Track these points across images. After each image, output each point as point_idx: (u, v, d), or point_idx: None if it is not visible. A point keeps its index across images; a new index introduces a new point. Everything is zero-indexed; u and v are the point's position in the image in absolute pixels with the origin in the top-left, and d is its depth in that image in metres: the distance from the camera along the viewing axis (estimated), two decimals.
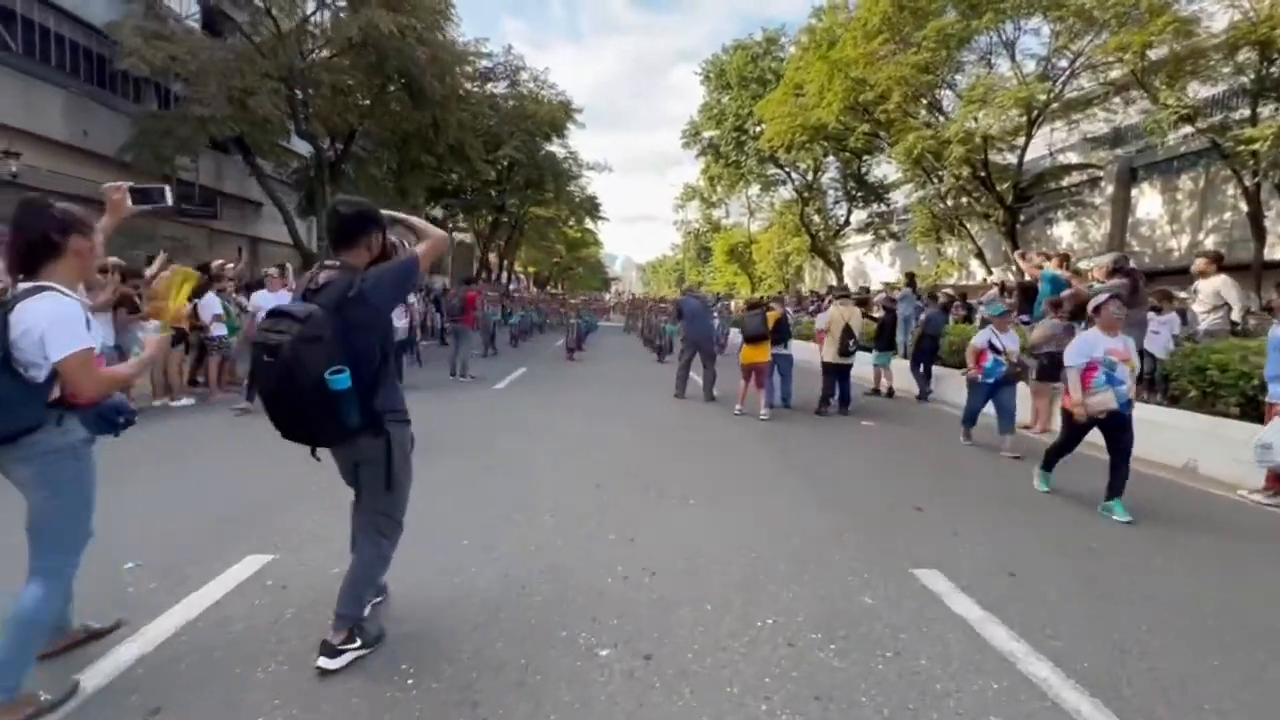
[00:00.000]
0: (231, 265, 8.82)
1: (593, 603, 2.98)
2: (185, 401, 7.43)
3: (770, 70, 28.63)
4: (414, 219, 2.50)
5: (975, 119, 18.08)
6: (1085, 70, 17.42)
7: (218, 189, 16.44)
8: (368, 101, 14.46)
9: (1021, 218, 22.13)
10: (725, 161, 30.92)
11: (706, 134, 31.74)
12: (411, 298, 7.71)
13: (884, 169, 31.08)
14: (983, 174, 19.92)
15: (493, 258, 34.46)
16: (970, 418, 6.73)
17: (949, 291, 12.19)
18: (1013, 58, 19.79)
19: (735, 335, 15.68)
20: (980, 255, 22.81)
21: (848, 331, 8.12)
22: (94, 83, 13.43)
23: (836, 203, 31.76)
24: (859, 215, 31.23)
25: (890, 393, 9.95)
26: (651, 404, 8.86)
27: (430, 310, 14.73)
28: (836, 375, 8.37)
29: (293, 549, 3.44)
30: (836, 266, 30.62)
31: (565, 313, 16.05)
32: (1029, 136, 19.51)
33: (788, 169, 30.12)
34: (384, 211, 2.43)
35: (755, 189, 35.39)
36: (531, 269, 49.44)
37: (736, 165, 30.72)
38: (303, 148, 15.86)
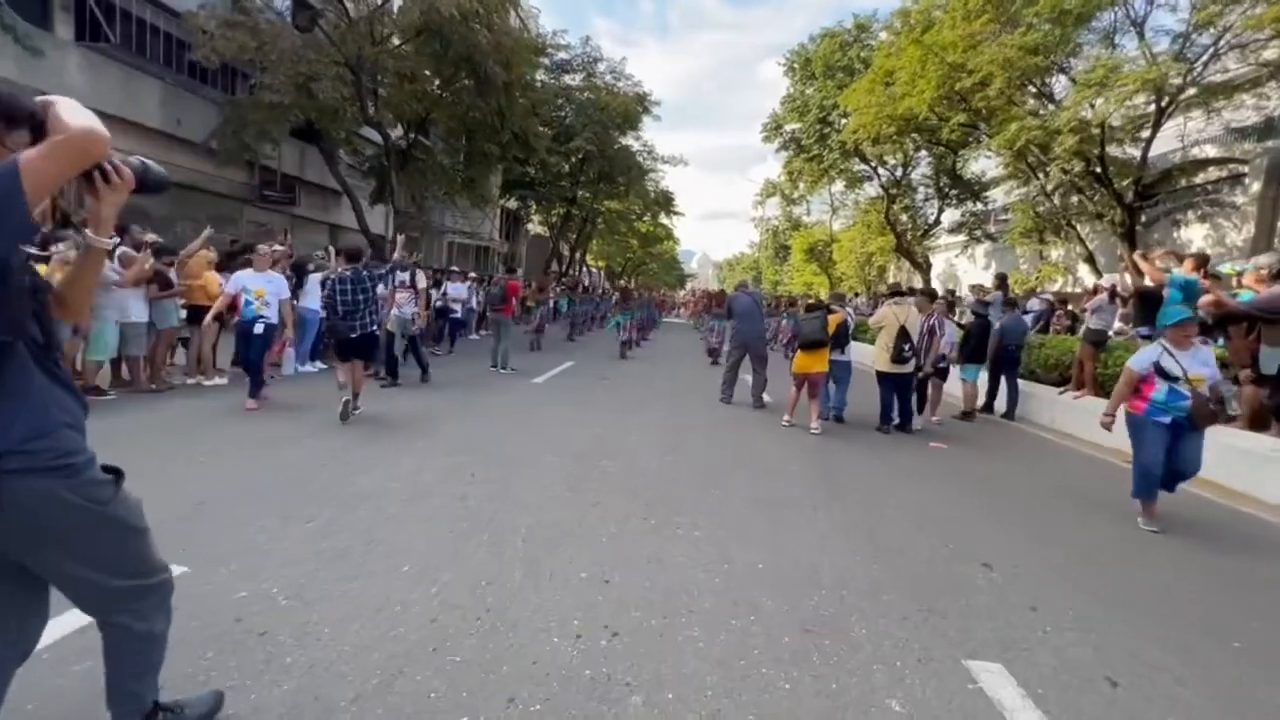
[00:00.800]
0: (279, 246, 8.76)
1: (522, 673, 2.28)
2: (218, 380, 7.36)
3: (859, 59, 26.82)
4: (59, 102, 1.30)
5: (1091, 105, 16.01)
6: (1231, 50, 14.92)
7: (300, 177, 16.99)
8: (438, 89, 14.42)
9: (1143, 218, 19.55)
10: (807, 155, 29.30)
11: (788, 127, 30.22)
12: (423, 280, 6.78)
13: (981, 164, 28.55)
14: (1098, 169, 17.70)
15: (566, 251, 34.47)
16: (1144, 480, 4.41)
17: (1048, 297, 10.61)
18: (1141, 36, 17.40)
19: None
20: (1091, 259, 20.30)
21: (902, 335, 7.00)
22: (187, 73, 14.06)
23: (927, 200, 29.49)
24: (951, 214, 28.83)
25: (970, 414, 8.64)
26: (692, 409, 8.06)
27: (484, 299, 14.53)
28: (893, 386, 7.26)
29: (203, 564, 2.93)
30: (924, 268, 28.43)
31: (625, 305, 15.39)
32: (1157, 126, 17.10)
33: (873, 163, 28.18)
34: (39, 98, 1.31)
35: (839, 185, 33.53)
36: (603, 263, 49.32)
37: (819, 159, 29.07)
38: (379, 136, 16.08)
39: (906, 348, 7.00)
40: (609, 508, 4.08)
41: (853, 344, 7.77)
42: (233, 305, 7.64)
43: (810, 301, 7.83)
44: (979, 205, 28.03)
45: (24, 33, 10.43)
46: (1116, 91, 15.18)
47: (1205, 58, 15.13)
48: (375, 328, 6.39)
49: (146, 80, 13.14)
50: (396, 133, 16.30)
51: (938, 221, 29.17)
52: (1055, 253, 26.45)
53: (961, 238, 29.01)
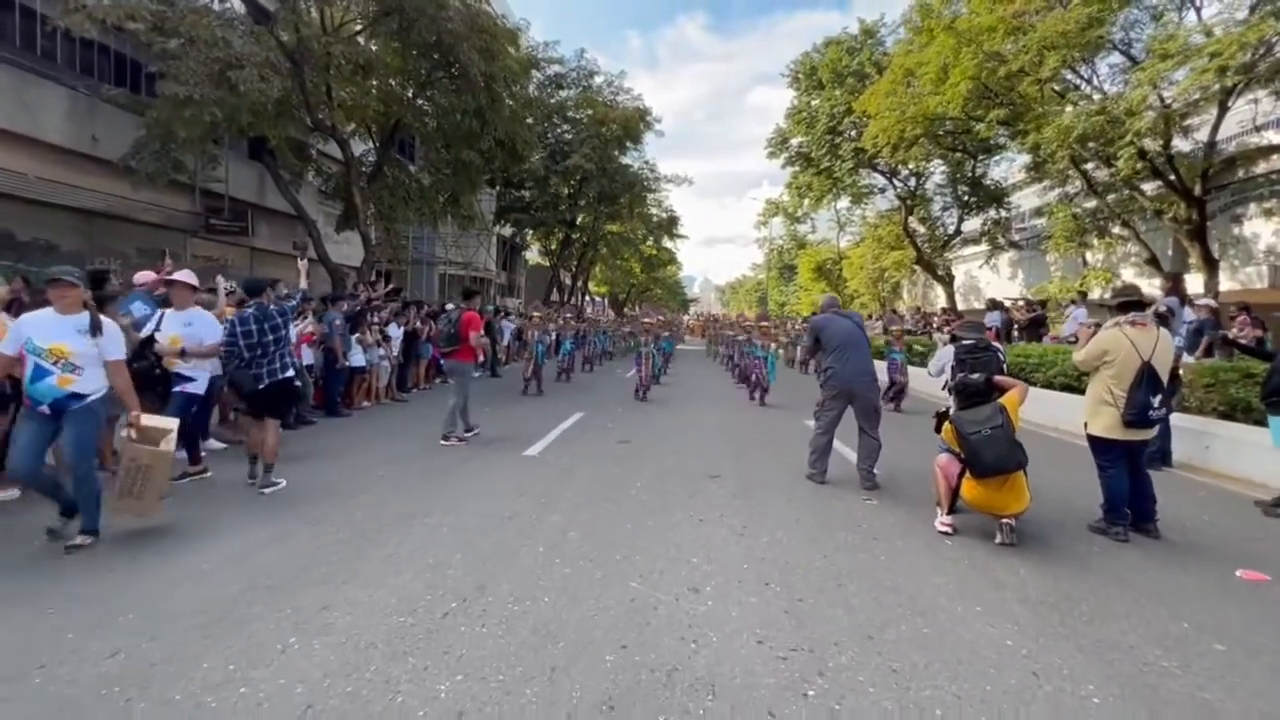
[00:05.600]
0: (150, 275, 5.76)
1: None
2: (4, 494, 4.26)
3: (869, 63, 24.26)
4: None
5: (1155, 86, 13.33)
6: None
7: (257, 203, 14.09)
8: (405, 86, 11.56)
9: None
10: (816, 169, 26.60)
11: (795, 140, 27.59)
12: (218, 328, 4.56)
13: (1001, 169, 25.86)
14: (1162, 158, 15.00)
15: (567, 280, 31.61)
16: None
17: (1209, 303, 7.58)
18: (1198, 9, 14.98)
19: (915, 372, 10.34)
20: (1154, 261, 17.32)
21: (1149, 379, 3.91)
22: (110, 80, 11.24)
23: (945, 209, 26.74)
24: (971, 223, 26.00)
25: None
26: (774, 502, 4.91)
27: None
28: (1127, 461, 4.13)
29: None
30: (946, 281, 25.51)
31: (638, 337, 12.31)
32: (1223, 107, 14.43)
33: (888, 174, 25.52)
34: None
35: (844, 201, 30.85)
36: (604, 289, 46.31)
37: (829, 173, 26.37)
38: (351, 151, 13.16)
39: (1157, 401, 3.89)
40: None
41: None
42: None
43: (963, 375, 4.23)
44: (1002, 212, 25.23)
45: None
46: (1202, 61, 12.45)
47: None
48: (290, 373, 4.94)
49: (47, 87, 10.25)
50: (365, 147, 13.50)
51: (958, 232, 26.32)
52: (1094, 257, 23.56)
53: (982, 248, 26.17)
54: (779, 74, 27.78)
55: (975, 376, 4.19)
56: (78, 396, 3.51)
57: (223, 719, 2.09)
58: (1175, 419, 6.43)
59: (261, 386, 4.75)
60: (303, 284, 5.53)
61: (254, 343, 4.70)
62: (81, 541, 3.49)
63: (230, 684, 2.28)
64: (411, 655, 2.50)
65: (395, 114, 11.82)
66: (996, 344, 4.53)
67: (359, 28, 10.70)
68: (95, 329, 3.54)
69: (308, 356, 7.43)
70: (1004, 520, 3.90)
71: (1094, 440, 4.16)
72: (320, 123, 10.82)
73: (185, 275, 4.90)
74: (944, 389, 4.70)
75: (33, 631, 2.61)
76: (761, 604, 3.03)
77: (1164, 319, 6.29)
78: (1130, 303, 4.06)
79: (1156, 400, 3.91)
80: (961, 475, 3.98)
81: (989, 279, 29.07)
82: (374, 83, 10.97)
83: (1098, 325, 4.22)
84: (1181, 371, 7.02)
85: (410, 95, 11.94)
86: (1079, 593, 3.25)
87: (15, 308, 4.61)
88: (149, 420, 3.89)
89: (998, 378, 4.19)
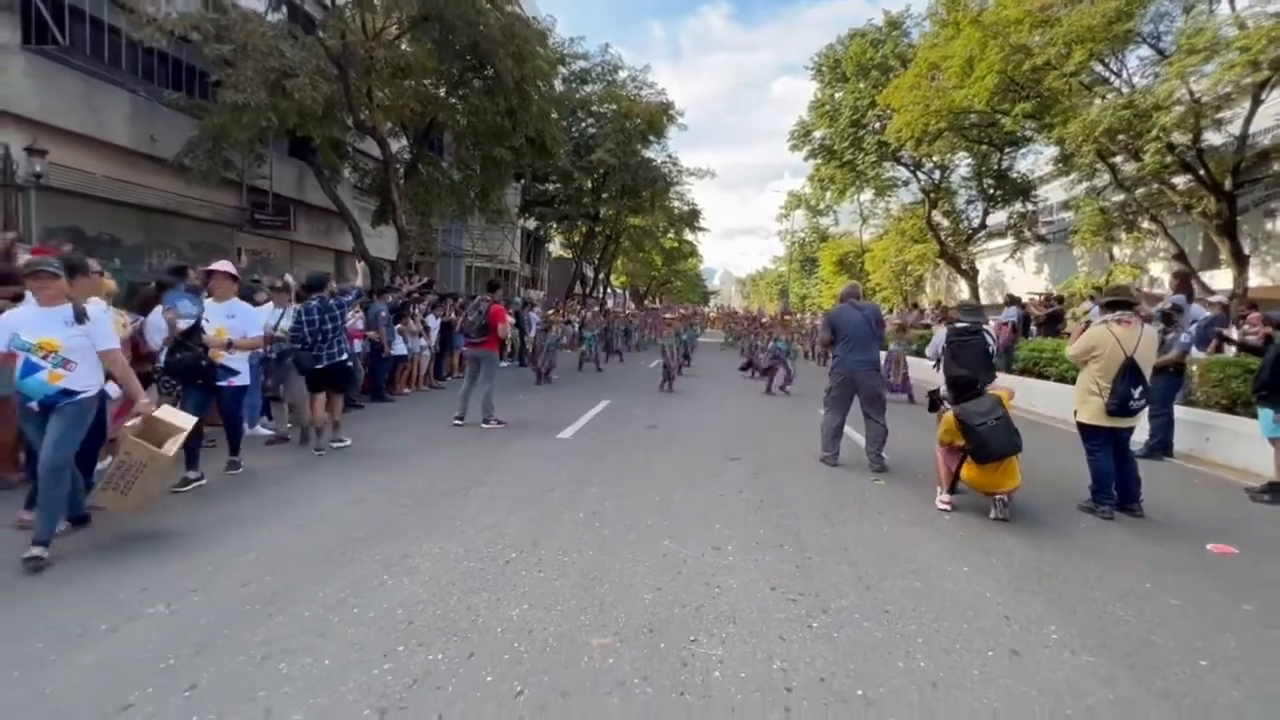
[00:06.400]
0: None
1: None
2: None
3: (894, 55, 24.25)
4: None
5: (1182, 79, 13.30)
6: None
7: (298, 199, 14.84)
8: (440, 86, 12.17)
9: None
10: (839, 162, 26.68)
11: (817, 133, 27.68)
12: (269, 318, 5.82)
13: (1027, 161, 25.66)
14: (1191, 152, 14.93)
15: (590, 272, 32.15)
16: None
17: (1220, 299, 7.82)
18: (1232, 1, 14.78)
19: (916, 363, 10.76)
20: (1181, 256, 17.26)
21: (1130, 372, 4.30)
22: (167, 84, 11.99)
23: (970, 203, 26.60)
24: (996, 217, 25.88)
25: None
26: (792, 483, 5.40)
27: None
28: (1111, 445, 4.53)
29: None
30: (970, 276, 25.47)
31: (661, 330, 12.82)
32: (1257, 100, 14.31)
33: (912, 167, 25.48)
34: None
35: (867, 194, 30.87)
36: (624, 280, 46.81)
37: (851, 165, 26.43)
38: (379, 150, 13.84)
39: (1138, 392, 4.29)
40: None
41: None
42: (143, 354, 5.27)
43: (951, 374, 4.68)
44: (1028, 206, 25.09)
45: None
46: (1232, 55, 12.47)
47: None
48: (344, 356, 5.90)
49: (112, 91, 11.03)
50: (400, 145, 14.12)
51: (983, 225, 26.22)
52: (1121, 252, 23.40)
53: (1007, 241, 26.06)
54: (802, 65, 28.15)
55: (962, 373, 4.60)
56: (69, 393, 3.39)
57: (345, 629, 2.66)
58: (1178, 411, 6.75)
59: (319, 367, 5.67)
60: (358, 281, 6.39)
61: (315, 329, 5.65)
62: (39, 554, 3.17)
63: (344, 606, 2.86)
64: (484, 590, 3.05)
65: (430, 113, 12.44)
66: (988, 328, 4.89)
67: (397, 32, 11.30)
68: (80, 316, 3.41)
69: (357, 345, 8.08)
70: (997, 497, 4.34)
71: (1082, 427, 4.57)
72: (361, 123, 11.48)
73: (224, 265, 4.84)
74: (933, 366, 5.13)
75: (184, 560, 3.23)
76: (775, 561, 3.54)
77: (1169, 317, 6.62)
78: (1117, 302, 4.46)
79: (1137, 392, 4.31)
80: (962, 460, 4.43)
81: (1014, 273, 28.93)
82: (410, 82, 11.57)
83: (1088, 323, 4.62)
84: (1194, 367, 7.30)
85: (443, 94, 12.55)
86: (1058, 560, 3.69)
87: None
88: (164, 413, 3.77)
89: (989, 389, 4.55)
